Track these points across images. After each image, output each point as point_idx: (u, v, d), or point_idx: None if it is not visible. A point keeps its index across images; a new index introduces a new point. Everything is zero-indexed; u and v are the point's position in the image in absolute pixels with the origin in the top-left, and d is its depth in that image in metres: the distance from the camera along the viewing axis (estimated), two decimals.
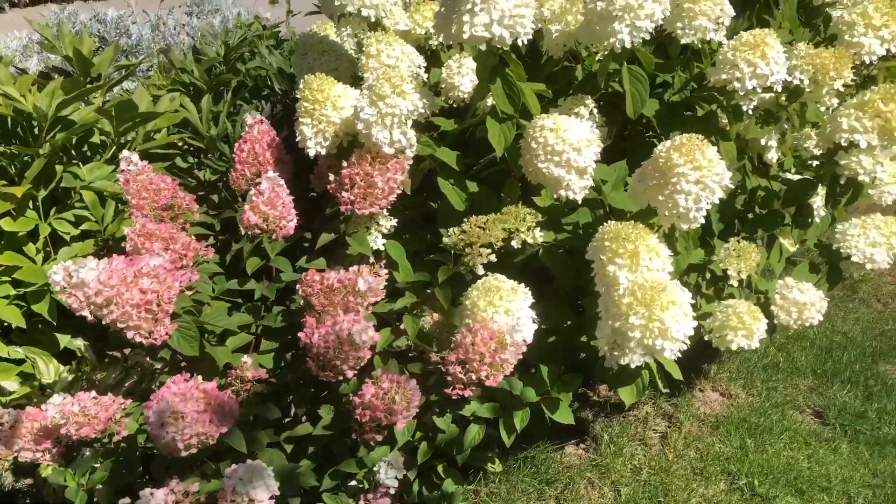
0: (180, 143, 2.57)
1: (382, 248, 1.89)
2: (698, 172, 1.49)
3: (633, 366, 1.52)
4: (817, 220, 2.00)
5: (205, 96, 2.54)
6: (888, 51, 1.98)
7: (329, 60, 2.12)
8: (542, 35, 1.98)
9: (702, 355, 2.42)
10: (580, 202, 1.74)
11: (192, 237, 1.81)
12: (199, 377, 1.58)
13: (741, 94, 1.75)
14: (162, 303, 1.55)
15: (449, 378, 1.64)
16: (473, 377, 1.61)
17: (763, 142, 1.97)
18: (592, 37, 1.76)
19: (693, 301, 1.57)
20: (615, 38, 1.70)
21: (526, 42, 1.64)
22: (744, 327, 1.77)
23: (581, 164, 1.67)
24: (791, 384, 2.57)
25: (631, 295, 1.48)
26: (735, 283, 1.81)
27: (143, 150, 2.38)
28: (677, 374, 1.80)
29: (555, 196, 1.73)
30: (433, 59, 2.15)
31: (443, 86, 2.01)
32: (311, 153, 1.83)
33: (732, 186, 1.57)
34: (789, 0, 1.96)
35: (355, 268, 1.68)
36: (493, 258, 1.63)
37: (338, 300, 1.64)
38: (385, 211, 1.88)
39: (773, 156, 2.01)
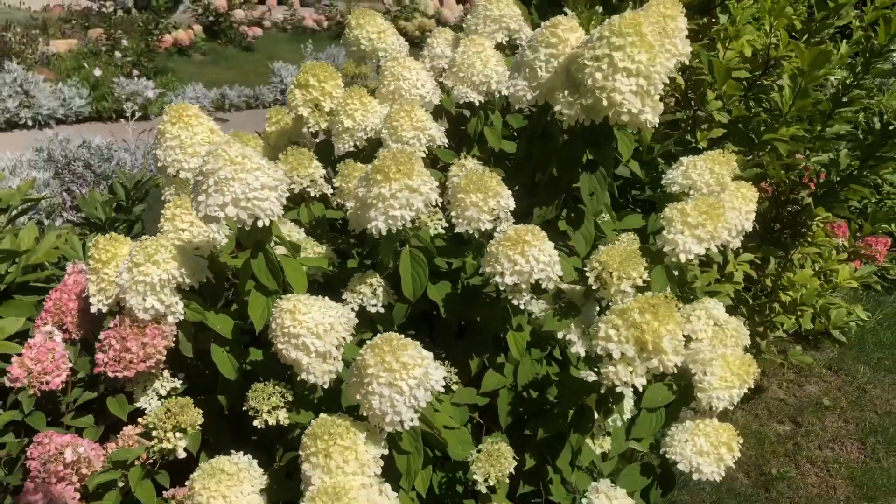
0: None
1: None
2: (390, 374, 1.42)
3: None
4: (618, 421, 1.87)
5: (91, 234, 2.65)
6: (708, 250, 1.89)
7: None
8: None
9: None
10: (325, 387, 1.68)
11: None
12: None
13: (501, 289, 1.69)
14: None
15: None
16: None
17: (561, 335, 1.88)
18: (359, 221, 1.75)
19: None
20: (371, 226, 1.68)
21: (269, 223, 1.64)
22: None
23: (321, 349, 1.62)
24: None
25: (310, 502, 1.39)
26: (483, 489, 1.67)
27: (21, 282, 2.48)
28: None
29: (297, 379, 1.68)
30: None
31: None
32: (93, 310, 1.86)
33: (441, 390, 1.48)
34: (596, 191, 1.89)
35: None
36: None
37: (52, 469, 1.61)
38: (166, 372, 1.88)
39: (577, 350, 1.91)
